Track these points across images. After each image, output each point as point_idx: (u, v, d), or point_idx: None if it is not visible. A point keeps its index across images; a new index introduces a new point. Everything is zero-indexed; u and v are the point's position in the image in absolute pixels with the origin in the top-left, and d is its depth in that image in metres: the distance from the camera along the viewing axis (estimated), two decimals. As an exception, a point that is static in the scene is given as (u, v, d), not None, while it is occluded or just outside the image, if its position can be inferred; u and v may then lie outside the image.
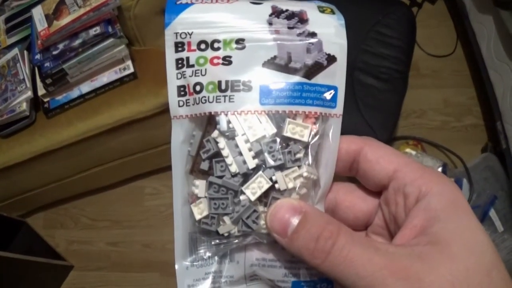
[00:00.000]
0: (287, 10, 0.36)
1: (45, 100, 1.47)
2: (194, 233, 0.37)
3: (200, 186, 0.36)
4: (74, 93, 1.47)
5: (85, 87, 1.47)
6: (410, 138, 1.75)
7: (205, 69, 0.35)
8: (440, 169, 1.57)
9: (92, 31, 1.38)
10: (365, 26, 1.46)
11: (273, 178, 0.34)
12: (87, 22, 1.37)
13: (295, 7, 0.36)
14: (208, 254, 0.37)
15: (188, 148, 0.37)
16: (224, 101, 0.34)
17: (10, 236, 1.65)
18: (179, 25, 0.35)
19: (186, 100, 0.35)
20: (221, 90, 0.34)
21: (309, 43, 0.35)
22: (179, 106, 0.35)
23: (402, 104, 1.40)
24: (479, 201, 1.56)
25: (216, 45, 0.35)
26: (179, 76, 0.35)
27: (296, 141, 0.35)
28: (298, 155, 0.35)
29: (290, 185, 0.34)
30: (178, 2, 0.35)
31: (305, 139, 0.35)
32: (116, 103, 1.47)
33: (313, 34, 0.36)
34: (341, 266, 0.29)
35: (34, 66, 1.45)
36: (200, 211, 0.36)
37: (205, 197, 0.36)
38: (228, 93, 0.34)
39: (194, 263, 0.37)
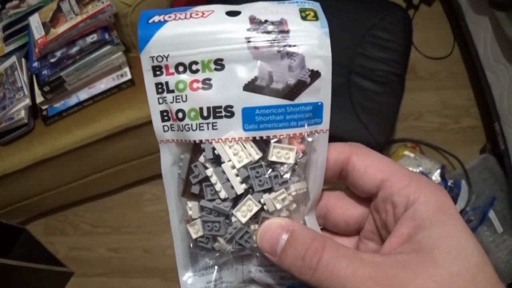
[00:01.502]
0: (266, 21, 0.34)
1: (43, 107, 1.48)
2: (193, 249, 0.38)
3: (193, 208, 0.36)
4: (72, 100, 1.47)
5: (83, 94, 1.47)
6: (408, 140, 1.75)
7: (186, 95, 0.34)
8: (438, 171, 1.58)
9: (89, 39, 1.38)
10: (361, 29, 1.46)
11: (261, 201, 0.35)
12: (84, 30, 1.37)
13: (275, 16, 0.34)
14: (208, 264, 0.38)
15: (178, 171, 0.37)
16: (207, 129, 0.34)
17: (10, 243, 1.65)
18: (154, 48, 0.34)
19: (170, 125, 0.35)
20: (203, 117, 0.34)
21: (291, 60, 0.33)
22: (164, 131, 0.35)
23: (400, 107, 1.40)
24: (478, 202, 1.56)
25: (194, 67, 0.33)
26: (161, 101, 0.34)
27: (282, 164, 0.35)
28: (285, 177, 0.35)
29: (278, 206, 0.35)
30: (150, 21, 0.34)
31: (291, 161, 0.35)
32: (114, 110, 1.47)
33: (294, 50, 0.33)
34: (327, 281, 0.30)
35: (32, 74, 1.46)
36: (195, 230, 0.37)
37: (199, 217, 0.36)
38: (211, 120, 0.33)
39: (196, 273, 0.38)
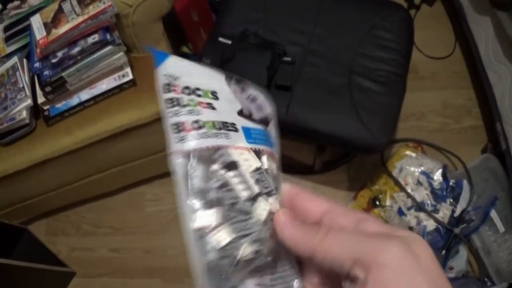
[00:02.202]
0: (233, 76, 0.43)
1: (45, 108, 1.48)
2: (212, 262, 0.38)
3: (212, 216, 0.38)
4: (74, 100, 1.47)
5: (85, 95, 1.47)
6: (410, 140, 1.75)
7: (198, 110, 0.38)
8: (440, 171, 1.58)
9: (91, 39, 1.38)
10: (362, 29, 1.46)
11: (269, 201, 0.39)
12: (86, 30, 1.37)
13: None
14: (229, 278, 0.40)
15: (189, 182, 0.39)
16: (223, 137, 0.38)
17: (12, 243, 1.65)
18: (170, 67, 0.39)
19: (181, 136, 0.37)
20: (216, 129, 0.38)
21: (256, 105, 0.43)
22: (175, 142, 0.37)
23: (401, 107, 1.40)
24: (480, 202, 1.56)
25: (198, 92, 0.39)
26: (171, 114, 0.38)
27: (268, 172, 0.40)
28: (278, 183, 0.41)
29: (278, 207, 0.40)
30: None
31: (275, 172, 0.41)
32: (115, 110, 1.47)
33: (255, 98, 0.43)
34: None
35: (34, 74, 1.46)
36: (221, 239, 0.38)
37: (221, 224, 0.38)
38: (223, 131, 0.38)
39: None
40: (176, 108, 0.38)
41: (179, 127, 0.37)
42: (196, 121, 0.37)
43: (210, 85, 0.40)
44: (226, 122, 0.38)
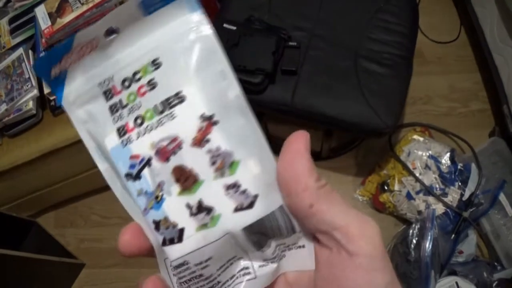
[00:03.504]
0: None
1: (51, 98, 1.48)
2: None
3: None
4: (80, 90, 1.47)
5: (91, 84, 1.47)
6: (417, 124, 1.75)
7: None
8: (448, 155, 1.57)
9: (95, 28, 1.38)
10: (367, 13, 1.46)
11: None
12: (91, 19, 1.38)
13: None
14: None
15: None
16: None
17: (21, 236, 1.66)
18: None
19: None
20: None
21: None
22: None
23: (408, 90, 1.40)
24: (488, 185, 1.56)
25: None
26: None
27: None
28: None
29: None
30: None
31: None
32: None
33: None
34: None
35: (39, 65, 1.46)
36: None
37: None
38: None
39: None
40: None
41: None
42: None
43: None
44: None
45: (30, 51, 1.52)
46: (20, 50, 1.51)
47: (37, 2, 1.51)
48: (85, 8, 1.34)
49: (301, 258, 0.35)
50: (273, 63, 1.32)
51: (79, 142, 1.29)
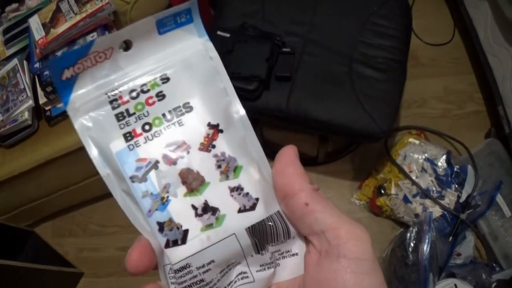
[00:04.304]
0: None
1: (47, 108, 1.48)
2: None
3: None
4: (75, 100, 1.47)
5: (86, 93, 1.47)
6: (412, 127, 1.75)
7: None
8: (444, 157, 1.57)
9: (89, 37, 1.39)
10: (360, 17, 1.46)
11: None
12: (84, 29, 1.38)
13: None
14: None
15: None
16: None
17: (19, 246, 1.65)
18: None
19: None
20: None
21: None
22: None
23: (403, 93, 1.40)
24: (485, 187, 1.56)
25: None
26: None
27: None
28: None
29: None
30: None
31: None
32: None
33: None
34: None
35: (34, 75, 1.46)
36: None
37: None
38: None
39: None
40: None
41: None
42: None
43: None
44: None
45: (24, 62, 1.52)
46: (15, 61, 1.51)
47: (31, 12, 1.51)
48: (78, 18, 1.35)
49: (295, 265, 0.37)
50: (267, 70, 1.32)
51: (75, 152, 1.29)
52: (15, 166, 1.49)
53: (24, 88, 1.45)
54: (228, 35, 1.36)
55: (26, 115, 1.45)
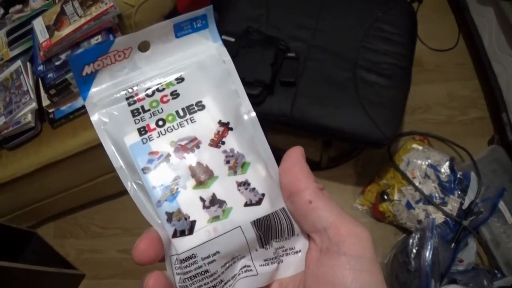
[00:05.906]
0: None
1: (50, 110, 1.48)
2: None
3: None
4: (79, 102, 1.47)
5: (89, 96, 1.47)
6: (416, 133, 1.75)
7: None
8: (447, 163, 1.57)
9: (94, 40, 1.39)
10: (365, 23, 1.46)
11: None
12: (88, 32, 1.38)
13: None
14: None
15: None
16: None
17: (21, 247, 1.65)
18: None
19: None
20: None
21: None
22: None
23: (407, 99, 1.40)
24: (488, 193, 1.56)
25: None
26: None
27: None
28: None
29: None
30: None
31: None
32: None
33: None
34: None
35: (38, 78, 1.46)
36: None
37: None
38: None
39: None
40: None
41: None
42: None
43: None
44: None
45: (28, 64, 1.52)
46: (18, 63, 1.50)
47: (35, 14, 1.51)
48: (83, 21, 1.34)
49: (297, 263, 0.38)
50: (271, 75, 1.32)
51: (78, 155, 1.29)
52: (17, 168, 1.49)
53: (28, 90, 1.45)
54: (233, 39, 1.36)
55: (29, 117, 1.45)
